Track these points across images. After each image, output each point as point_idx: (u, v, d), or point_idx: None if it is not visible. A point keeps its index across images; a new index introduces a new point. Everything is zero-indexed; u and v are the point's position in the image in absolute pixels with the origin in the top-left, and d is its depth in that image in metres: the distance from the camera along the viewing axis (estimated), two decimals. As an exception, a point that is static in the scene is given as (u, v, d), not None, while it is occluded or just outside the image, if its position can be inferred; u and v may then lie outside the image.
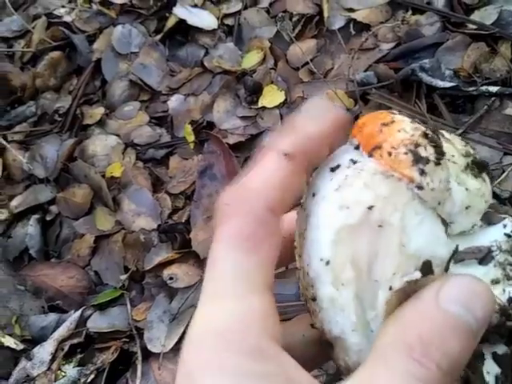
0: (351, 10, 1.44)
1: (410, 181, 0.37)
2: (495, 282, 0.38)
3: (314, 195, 0.40)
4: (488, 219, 0.41)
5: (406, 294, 0.36)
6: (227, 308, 0.34)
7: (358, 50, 1.37)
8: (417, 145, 0.38)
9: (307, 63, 1.41)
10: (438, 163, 0.38)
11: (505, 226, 0.40)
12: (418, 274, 0.36)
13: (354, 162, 0.39)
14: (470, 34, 1.32)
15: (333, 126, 0.39)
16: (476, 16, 1.34)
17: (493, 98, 1.23)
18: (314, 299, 0.38)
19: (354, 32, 1.43)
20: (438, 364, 0.33)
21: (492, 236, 0.39)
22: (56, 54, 1.64)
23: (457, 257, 0.38)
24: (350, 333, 0.38)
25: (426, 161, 0.37)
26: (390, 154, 0.38)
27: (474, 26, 1.32)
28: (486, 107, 1.23)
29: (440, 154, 0.38)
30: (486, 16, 1.33)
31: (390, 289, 0.36)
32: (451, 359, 0.33)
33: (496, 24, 1.30)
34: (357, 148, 0.39)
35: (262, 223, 0.36)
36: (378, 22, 1.41)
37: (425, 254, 0.37)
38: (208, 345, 0.33)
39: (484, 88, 1.24)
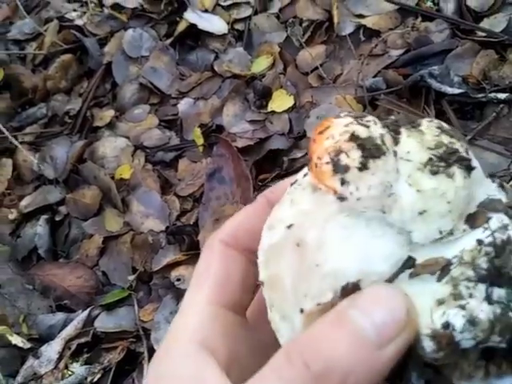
0: (361, 16, 1.45)
1: (333, 192, 0.34)
2: (440, 302, 0.32)
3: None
4: (472, 222, 0.35)
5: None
6: (177, 320, 0.40)
7: (368, 56, 1.38)
8: (339, 151, 0.34)
9: (316, 68, 1.42)
10: (363, 168, 0.33)
11: (485, 229, 0.34)
12: (329, 296, 0.33)
13: (304, 175, 0.38)
14: (479, 42, 1.32)
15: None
16: (485, 23, 1.35)
17: (501, 105, 1.23)
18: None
19: (363, 38, 1.44)
20: (306, 363, 0.31)
21: (463, 244, 0.34)
22: (67, 56, 1.65)
23: (414, 271, 0.33)
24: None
25: (347, 168, 0.33)
26: (316, 165, 0.35)
27: (484, 34, 1.33)
28: (494, 114, 1.23)
29: (370, 156, 0.34)
30: (495, 23, 1.33)
31: (302, 311, 0.33)
32: (329, 361, 0.31)
33: (505, 31, 1.31)
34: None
35: (213, 251, 0.43)
36: (387, 28, 1.41)
37: (352, 271, 0.33)
38: (157, 356, 0.39)
39: (493, 95, 1.24)
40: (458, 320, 0.31)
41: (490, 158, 1.18)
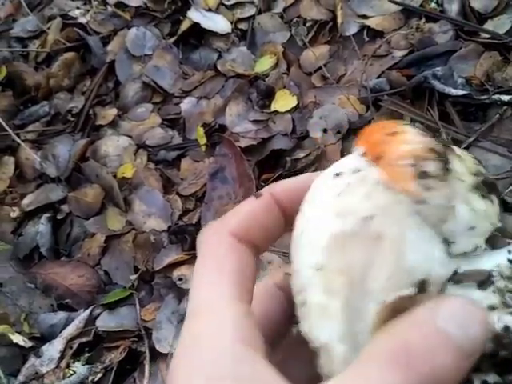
0: (365, 16, 1.45)
1: (410, 195, 0.36)
2: (492, 308, 0.35)
3: (314, 200, 0.40)
4: (493, 243, 0.39)
5: (397, 309, 0.35)
6: (203, 322, 0.37)
7: (371, 57, 1.38)
8: (420, 158, 0.37)
9: (320, 68, 1.41)
10: (442, 179, 0.36)
11: (509, 251, 0.38)
12: (412, 290, 0.35)
13: (358, 171, 0.39)
14: (483, 43, 1.32)
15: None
16: (489, 25, 1.34)
17: (505, 107, 1.23)
18: (303, 304, 0.38)
19: (367, 38, 1.44)
20: (421, 374, 0.32)
21: (495, 260, 0.38)
22: (70, 54, 1.65)
23: (455, 278, 0.37)
24: (337, 342, 0.37)
25: (429, 176, 0.36)
26: (391, 165, 0.37)
27: (487, 35, 1.33)
28: (497, 116, 1.23)
29: (445, 169, 0.37)
30: (499, 25, 1.33)
31: (382, 302, 0.35)
32: (438, 376, 0.32)
33: (509, 33, 1.31)
34: (363, 156, 0.39)
35: (223, 245, 0.40)
36: (391, 29, 1.41)
37: (421, 271, 0.36)
38: (185, 356, 0.36)
39: (496, 97, 1.24)
40: None
41: (493, 160, 1.18)
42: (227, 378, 0.33)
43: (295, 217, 0.41)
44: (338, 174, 0.39)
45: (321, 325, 0.37)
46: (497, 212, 0.39)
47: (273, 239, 0.44)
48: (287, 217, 0.43)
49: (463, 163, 0.38)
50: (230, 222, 0.41)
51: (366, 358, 0.34)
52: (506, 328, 0.35)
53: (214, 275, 0.39)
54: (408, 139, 0.38)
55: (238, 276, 0.39)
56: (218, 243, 0.40)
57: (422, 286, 0.35)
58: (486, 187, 0.39)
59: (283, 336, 0.45)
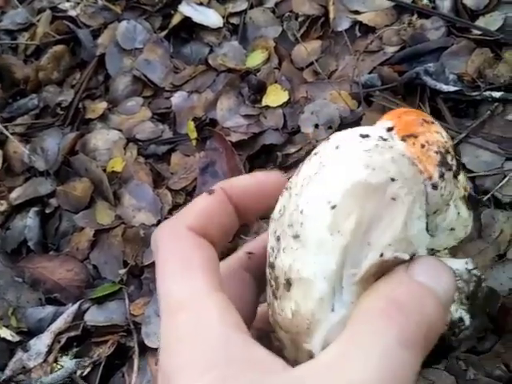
0: (357, 12, 1.45)
1: (428, 177, 0.40)
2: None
3: (337, 147, 0.41)
4: (454, 252, 0.44)
5: (383, 269, 0.38)
6: (187, 315, 0.37)
7: (363, 52, 1.38)
8: (447, 151, 0.41)
9: (312, 64, 1.41)
10: (455, 176, 0.41)
11: (467, 263, 0.43)
12: (406, 256, 0.38)
13: (384, 139, 0.41)
14: (475, 40, 1.32)
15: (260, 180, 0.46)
16: (481, 22, 1.35)
17: (496, 104, 1.23)
18: (295, 236, 0.40)
19: (359, 34, 1.43)
20: (418, 323, 0.35)
21: (456, 265, 0.42)
22: (60, 47, 1.64)
23: None
24: (321, 279, 0.38)
25: (449, 168, 0.41)
26: (422, 146, 0.41)
27: (479, 32, 1.33)
28: (488, 112, 1.23)
29: (458, 169, 0.42)
30: (490, 22, 1.34)
31: (381, 256, 0.38)
32: (430, 323, 0.35)
33: (501, 30, 1.31)
34: (389, 130, 0.42)
35: (186, 240, 0.41)
36: (383, 24, 1.41)
37: (416, 244, 0.39)
38: (177, 348, 0.37)
39: (487, 93, 1.24)
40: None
41: (484, 156, 1.18)
42: (222, 363, 0.34)
43: (247, 213, 0.45)
44: (364, 136, 0.42)
45: (310, 259, 0.39)
46: (471, 225, 0.44)
47: (228, 235, 0.45)
48: (239, 213, 0.45)
49: (463, 175, 0.43)
50: (186, 218, 0.43)
51: (361, 318, 0.36)
52: (460, 319, 0.41)
53: (185, 270, 0.39)
54: (440, 132, 0.42)
55: (208, 268, 0.40)
56: (180, 238, 0.41)
57: (411, 258, 0.39)
58: (471, 202, 0.44)
59: (254, 316, 0.47)
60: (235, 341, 0.35)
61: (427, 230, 0.41)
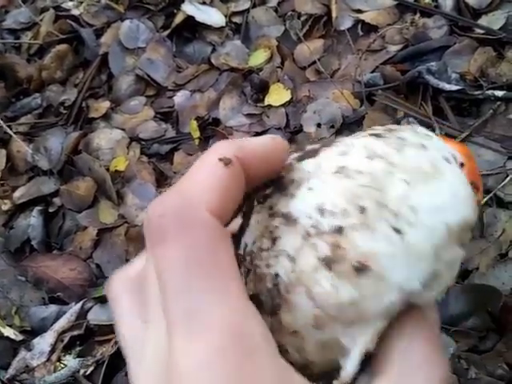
0: (359, 11, 1.45)
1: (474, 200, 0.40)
2: None
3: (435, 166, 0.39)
4: None
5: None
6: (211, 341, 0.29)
7: (366, 51, 1.38)
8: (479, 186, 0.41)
9: (314, 63, 1.41)
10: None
11: None
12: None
13: (450, 153, 0.40)
14: (477, 39, 1.32)
15: (274, 146, 0.38)
16: (483, 21, 1.35)
17: (498, 103, 1.23)
18: (397, 230, 0.35)
19: (361, 33, 1.43)
20: None
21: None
22: (63, 46, 1.64)
23: None
24: (398, 288, 0.35)
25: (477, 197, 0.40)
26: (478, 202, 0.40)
27: (482, 31, 1.33)
28: (491, 111, 1.23)
29: None
30: (493, 21, 1.33)
31: (398, 232, 0.36)
32: None
33: (503, 29, 1.31)
34: (461, 166, 0.41)
35: (212, 239, 0.32)
36: (385, 23, 1.41)
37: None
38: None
39: (490, 92, 1.24)
40: None
41: (487, 155, 1.18)
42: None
43: (253, 182, 0.37)
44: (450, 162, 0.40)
45: (402, 262, 0.35)
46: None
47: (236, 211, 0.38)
48: (246, 182, 0.37)
49: None
50: (204, 197, 0.33)
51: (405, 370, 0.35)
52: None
53: (217, 272, 0.31)
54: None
55: (236, 271, 0.33)
56: (205, 232, 0.31)
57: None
58: None
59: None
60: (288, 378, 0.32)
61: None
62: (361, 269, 0.34)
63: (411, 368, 0.34)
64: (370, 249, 0.35)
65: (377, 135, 0.40)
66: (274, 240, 0.37)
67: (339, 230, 0.35)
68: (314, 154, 0.40)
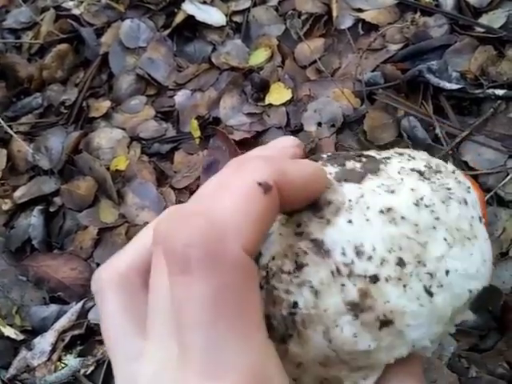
0: (360, 10, 1.45)
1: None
2: None
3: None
4: None
5: None
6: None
7: (366, 50, 1.38)
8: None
9: (315, 62, 1.41)
10: None
11: None
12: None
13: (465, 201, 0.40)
14: (478, 37, 1.32)
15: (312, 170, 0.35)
16: (484, 19, 1.34)
17: (499, 101, 1.23)
18: (428, 291, 0.35)
19: (362, 32, 1.43)
20: None
21: None
22: (63, 46, 1.64)
23: None
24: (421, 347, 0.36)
25: None
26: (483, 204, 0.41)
27: (482, 29, 1.33)
28: (491, 110, 1.23)
29: None
30: (494, 19, 1.33)
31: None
32: None
33: (504, 27, 1.31)
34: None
35: (245, 281, 0.29)
36: (386, 22, 1.41)
37: None
38: None
39: (490, 91, 1.24)
40: None
41: (487, 154, 1.18)
42: None
43: (284, 209, 0.33)
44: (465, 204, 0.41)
45: (431, 322, 0.35)
46: None
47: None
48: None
49: None
50: (240, 232, 0.29)
51: None
52: None
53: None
54: None
55: (262, 317, 0.31)
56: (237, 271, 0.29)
57: None
58: None
59: None
60: None
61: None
62: (385, 322, 0.34)
63: None
64: (399, 306, 0.34)
65: (421, 174, 0.39)
66: (298, 265, 0.34)
67: (373, 278, 0.34)
68: (357, 178, 0.37)
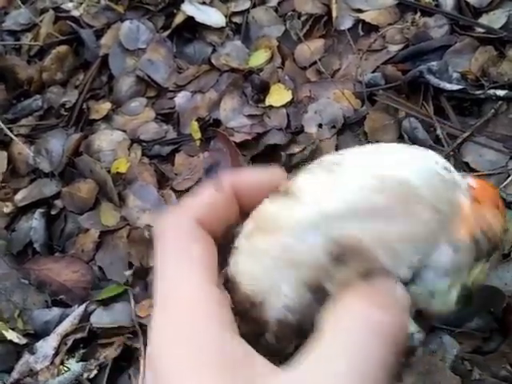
0: (360, 10, 1.45)
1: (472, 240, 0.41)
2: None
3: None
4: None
5: None
6: (180, 313, 0.37)
7: (366, 51, 1.38)
8: (489, 239, 0.41)
9: (315, 63, 1.41)
10: (475, 260, 0.42)
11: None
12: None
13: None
14: (478, 38, 1.32)
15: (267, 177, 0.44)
16: (484, 19, 1.34)
17: (500, 102, 1.23)
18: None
19: (362, 33, 1.43)
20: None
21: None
22: (63, 48, 1.64)
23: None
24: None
25: (478, 249, 0.41)
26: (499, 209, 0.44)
27: (483, 30, 1.32)
28: (492, 111, 1.23)
29: (481, 261, 0.43)
30: (494, 20, 1.33)
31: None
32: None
33: (504, 28, 1.30)
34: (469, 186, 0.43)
35: (188, 233, 0.40)
36: (386, 23, 1.41)
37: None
38: (169, 347, 0.36)
39: (491, 91, 1.24)
40: None
41: (488, 155, 1.18)
42: (217, 364, 0.34)
43: (247, 209, 0.42)
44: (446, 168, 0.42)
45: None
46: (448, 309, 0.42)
47: (231, 232, 0.43)
48: (242, 210, 0.43)
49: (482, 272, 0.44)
50: (192, 208, 0.41)
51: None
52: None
53: (183, 261, 0.39)
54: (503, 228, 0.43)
55: (207, 262, 0.39)
56: (182, 227, 0.40)
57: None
58: (464, 302, 0.43)
59: None
60: (230, 342, 0.35)
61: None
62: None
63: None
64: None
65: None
66: None
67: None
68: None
